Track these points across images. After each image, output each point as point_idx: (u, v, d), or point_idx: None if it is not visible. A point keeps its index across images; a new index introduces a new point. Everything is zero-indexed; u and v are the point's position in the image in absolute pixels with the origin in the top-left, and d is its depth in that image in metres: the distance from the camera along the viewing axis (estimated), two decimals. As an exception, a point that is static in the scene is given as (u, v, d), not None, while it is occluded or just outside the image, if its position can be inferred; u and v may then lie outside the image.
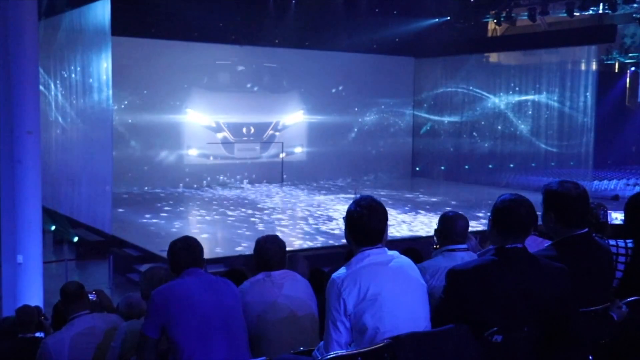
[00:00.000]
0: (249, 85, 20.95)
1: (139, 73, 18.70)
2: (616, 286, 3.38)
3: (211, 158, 20.52)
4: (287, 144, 21.92)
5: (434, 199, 18.83)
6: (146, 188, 19.02)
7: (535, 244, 3.74)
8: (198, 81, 20.07)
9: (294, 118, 21.92)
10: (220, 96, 20.43)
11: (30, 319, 5.23)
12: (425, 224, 14.40)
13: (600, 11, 18.27)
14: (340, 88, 22.41)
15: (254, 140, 21.35)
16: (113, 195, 13.93)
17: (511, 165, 21.91)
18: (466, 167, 23.00)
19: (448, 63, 23.15)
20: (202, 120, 20.30)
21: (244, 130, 21.04)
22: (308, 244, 12.34)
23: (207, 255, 5.15)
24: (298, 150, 22.13)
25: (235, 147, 21.07)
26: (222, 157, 20.76)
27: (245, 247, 11.73)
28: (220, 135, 20.62)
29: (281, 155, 21.69)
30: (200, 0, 17.32)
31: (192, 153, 20.17)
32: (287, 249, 3.91)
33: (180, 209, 16.37)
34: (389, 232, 2.96)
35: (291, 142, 21.98)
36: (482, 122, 22.85)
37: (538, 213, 3.12)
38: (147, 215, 15.13)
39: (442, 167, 23.74)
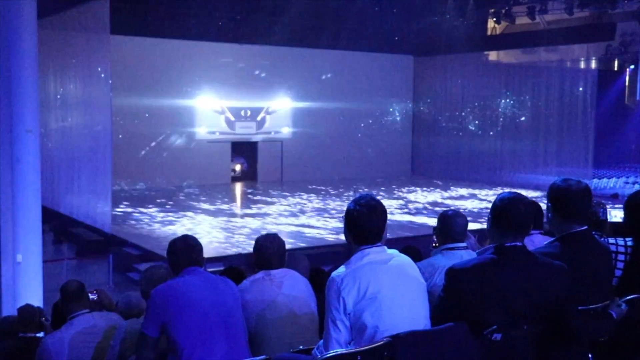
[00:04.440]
0: (247, 84, 20.93)
1: (138, 72, 18.70)
2: (615, 284, 3.38)
3: (211, 158, 20.54)
4: (286, 142, 21.94)
5: (432, 197, 18.83)
6: (145, 185, 19.03)
7: (541, 244, 3.73)
8: (197, 79, 20.06)
9: (291, 116, 21.91)
10: (219, 94, 20.44)
11: (32, 319, 5.23)
12: (424, 222, 14.40)
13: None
14: (340, 86, 22.39)
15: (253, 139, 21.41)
16: (113, 193, 13.94)
17: (511, 164, 21.90)
18: (465, 165, 22.99)
19: (447, 61, 23.13)
20: (203, 119, 20.31)
21: (241, 118, 21.02)
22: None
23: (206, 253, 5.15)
24: (296, 147, 22.12)
25: (234, 145, 21.15)
26: (222, 160, 20.80)
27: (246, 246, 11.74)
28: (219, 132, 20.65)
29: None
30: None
31: (191, 149, 20.21)
32: (287, 247, 3.91)
33: (181, 206, 16.36)
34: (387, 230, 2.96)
35: (291, 139, 21.98)
36: (481, 121, 22.84)
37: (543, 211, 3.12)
38: (147, 213, 15.12)
39: (441, 166, 23.73)
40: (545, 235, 4.30)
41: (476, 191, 20.05)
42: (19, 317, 5.30)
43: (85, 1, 13.96)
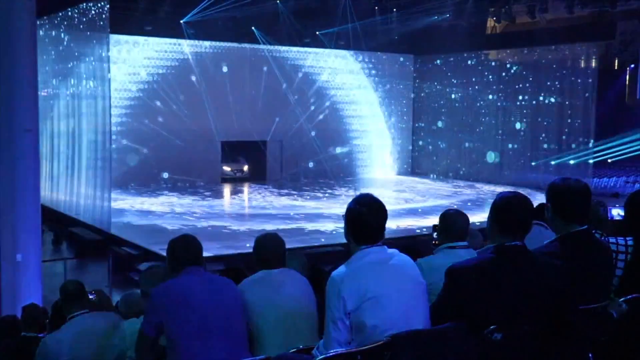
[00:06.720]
0: (248, 85, 20.93)
1: (138, 72, 18.69)
2: (616, 284, 3.37)
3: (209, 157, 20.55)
4: (285, 141, 21.93)
5: (432, 197, 18.83)
6: (144, 185, 19.04)
7: (539, 237, 3.71)
8: (197, 79, 20.05)
9: (291, 117, 21.91)
10: (218, 95, 20.42)
11: (36, 319, 5.23)
12: (424, 222, 14.40)
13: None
14: (342, 87, 22.38)
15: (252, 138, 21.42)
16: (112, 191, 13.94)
17: (511, 163, 21.88)
18: (466, 164, 22.98)
19: (448, 60, 23.11)
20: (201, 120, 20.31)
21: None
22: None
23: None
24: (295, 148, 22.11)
25: (231, 147, 21.20)
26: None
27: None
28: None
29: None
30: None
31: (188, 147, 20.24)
32: (287, 246, 3.90)
33: (179, 205, 16.37)
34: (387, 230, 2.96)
35: (290, 140, 21.97)
36: (482, 120, 22.83)
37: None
38: (146, 212, 15.13)
39: (442, 165, 23.71)
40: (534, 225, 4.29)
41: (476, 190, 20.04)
42: (23, 315, 5.30)
43: (85, 1, 13.96)
